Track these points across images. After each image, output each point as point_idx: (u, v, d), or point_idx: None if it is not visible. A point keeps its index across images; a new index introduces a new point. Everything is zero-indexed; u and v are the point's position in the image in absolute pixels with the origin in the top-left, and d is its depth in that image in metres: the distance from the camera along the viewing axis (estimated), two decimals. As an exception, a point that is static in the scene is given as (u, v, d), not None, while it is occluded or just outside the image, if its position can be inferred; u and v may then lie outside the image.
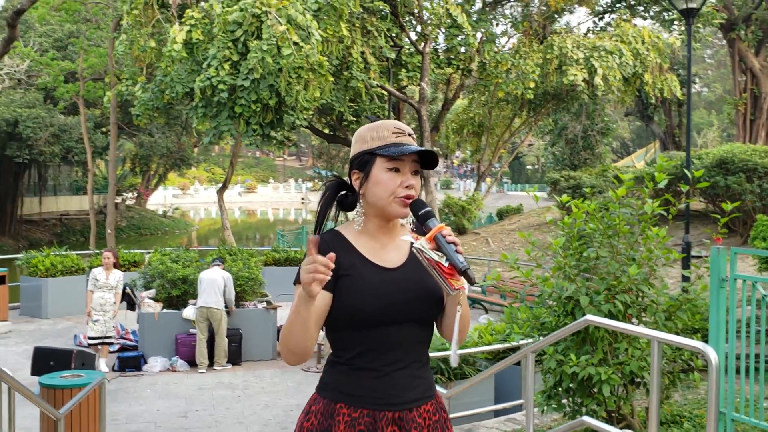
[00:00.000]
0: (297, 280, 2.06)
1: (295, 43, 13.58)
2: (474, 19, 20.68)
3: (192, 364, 10.03)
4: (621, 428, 4.61)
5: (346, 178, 2.29)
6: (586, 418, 3.83)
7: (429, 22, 19.21)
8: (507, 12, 24.71)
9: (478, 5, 23.82)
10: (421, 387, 2.17)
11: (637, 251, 4.71)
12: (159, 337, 10.22)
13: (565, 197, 5.24)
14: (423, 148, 2.14)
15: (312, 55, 13.72)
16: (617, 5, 23.71)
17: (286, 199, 74.54)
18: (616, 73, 19.66)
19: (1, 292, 12.50)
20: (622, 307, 4.51)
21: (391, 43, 18.34)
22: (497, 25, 24.83)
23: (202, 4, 14.95)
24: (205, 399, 8.64)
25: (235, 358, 10.24)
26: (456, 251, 1.97)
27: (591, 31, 24.03)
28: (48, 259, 13.40)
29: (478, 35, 20.52)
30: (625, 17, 22.49)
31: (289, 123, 14.73)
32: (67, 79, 22.20)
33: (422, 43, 18.81)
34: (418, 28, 19.96)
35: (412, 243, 2.00)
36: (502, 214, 30.88)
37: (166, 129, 30.08)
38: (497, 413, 6.61)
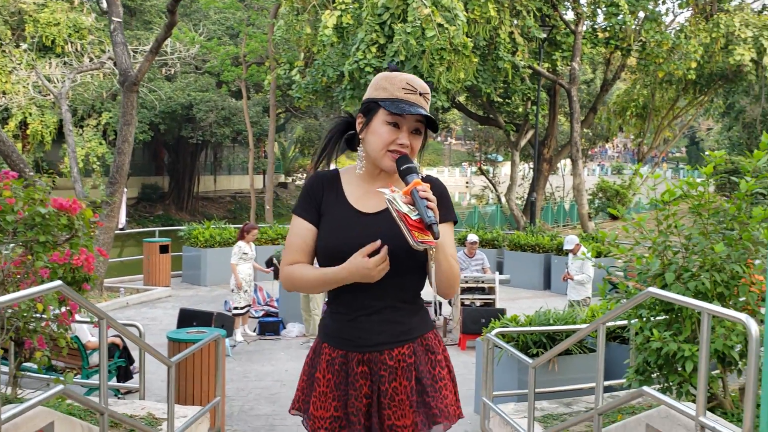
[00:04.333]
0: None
1: (440, 25, 13.74)
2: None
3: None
4: (711, 407, 4.46)
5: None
6: (646, 388, 3.76)
7: (583, 0, 18.65)
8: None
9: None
10: (395, 331, 2.25)
11: (732, 230, 4.51)
12: (298, 305, 10.83)
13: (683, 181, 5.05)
14: (421, 112, 2.18)
15: (456, 36, 13.81)
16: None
17: (450, 183, 75.08)
18: (788, 54, 18.16)
19: (163, 261, 13.75)
20: (710, 285, 4.35)
21: (542, 23, 17.99)
22: (662, 2, 23.61)
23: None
24: (330, 365, 9.08)
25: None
26: (427, 207, 2.01)
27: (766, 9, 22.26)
28: (207, 231, 14.52)
29: (641, 14, 19.65)
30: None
31: (432, 104, 14.92)
32: (234, 64, 23.85)
33: (576, 23, 18.29)
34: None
35: (385, 194, 2.06)
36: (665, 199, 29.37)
37: (329, 112, 31.31)
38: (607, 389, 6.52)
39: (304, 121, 37.00)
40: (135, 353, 7.52)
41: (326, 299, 2.43)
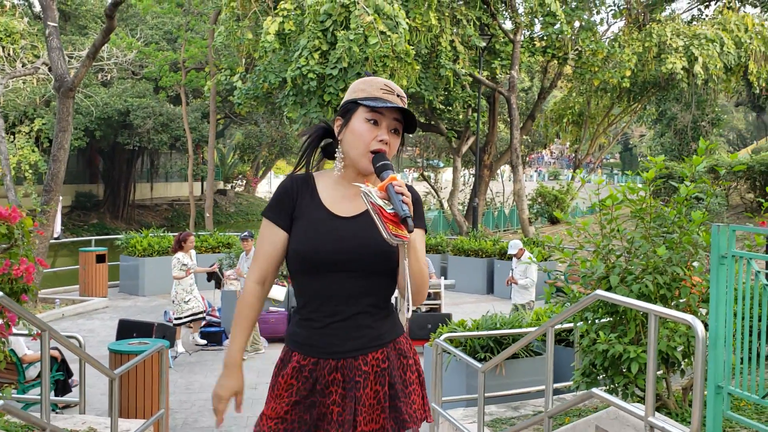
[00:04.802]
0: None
1: (382, 33, 13.77)
2: (572, 6, 20.27)
3: (271, 340, 10.42)
4: (656, 408, 4.55)
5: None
6: (596, 390, 3.82)
7: (521, 10, 19.00)
8: (609, 0, 24.05)
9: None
10: (367, 337, 2.22)
11: (673, 233, 4.63)
12: (240, 315, 10.67)
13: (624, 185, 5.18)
14: (400, 106, 2.19)
15: (399, 44, 13.87)
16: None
17: (391, 189, 75.27)
18: (717, 62, 18.84)
19: (100, 270, 13.40)
20: (653, 287, 4.45)
21: (482, 32, 18.23)
22: (597, 13, 24.25)
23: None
24: (276, 374, 8.98)
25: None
26: (402, 201, 2.01)
27: (696, 20, 23.09)
28: (146, 240, 14.21)
29: (576, 24, 20.10)
30: (730, 5, 21.45)
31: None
32: (173, 69, 23.39)
33: (514, 32, 18.60)
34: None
35: (361, 188, 2.05)
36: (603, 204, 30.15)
37: (270, 118, 31.00)
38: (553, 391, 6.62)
39: (244, 127, 36.61)
40: (74, 366, 7.30)
41: (293, 306, 2.37)
